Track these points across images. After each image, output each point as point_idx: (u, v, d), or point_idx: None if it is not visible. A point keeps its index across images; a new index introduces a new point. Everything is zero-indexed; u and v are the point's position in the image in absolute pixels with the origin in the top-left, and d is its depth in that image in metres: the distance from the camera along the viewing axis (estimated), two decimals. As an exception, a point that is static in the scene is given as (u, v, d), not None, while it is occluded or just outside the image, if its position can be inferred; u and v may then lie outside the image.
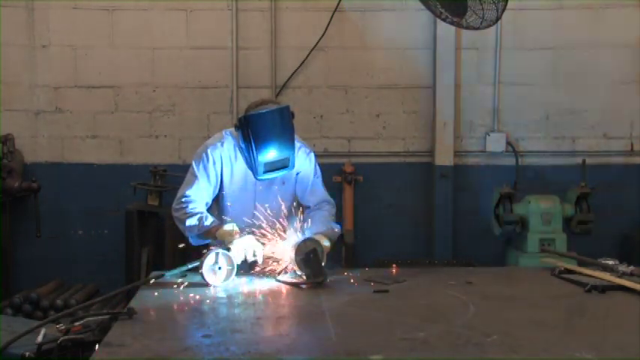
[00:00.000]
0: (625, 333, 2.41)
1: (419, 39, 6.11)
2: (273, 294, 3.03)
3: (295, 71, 6.07)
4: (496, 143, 6.14)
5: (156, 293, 2.92)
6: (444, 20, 4.15)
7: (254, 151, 3.30)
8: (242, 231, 3.30)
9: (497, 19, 3.97)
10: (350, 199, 6.04)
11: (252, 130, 3.29)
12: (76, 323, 2.46)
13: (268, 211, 3.41)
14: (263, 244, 3.27)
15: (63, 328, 2.46)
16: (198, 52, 6.08)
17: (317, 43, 6.01)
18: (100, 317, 2.49)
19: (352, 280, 3.24)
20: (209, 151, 3.47)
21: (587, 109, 6.18)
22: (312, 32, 6.01)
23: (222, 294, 2.99)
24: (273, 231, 3.32)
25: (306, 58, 6.05)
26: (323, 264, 3.20)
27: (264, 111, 3.34)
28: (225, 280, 3.12)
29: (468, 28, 4.10)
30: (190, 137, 5.98)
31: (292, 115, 3.38)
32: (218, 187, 3.51)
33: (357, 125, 6.17)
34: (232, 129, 3.50)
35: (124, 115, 6.10)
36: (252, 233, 3.29)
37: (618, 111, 6.18)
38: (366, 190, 6.12)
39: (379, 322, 2.60)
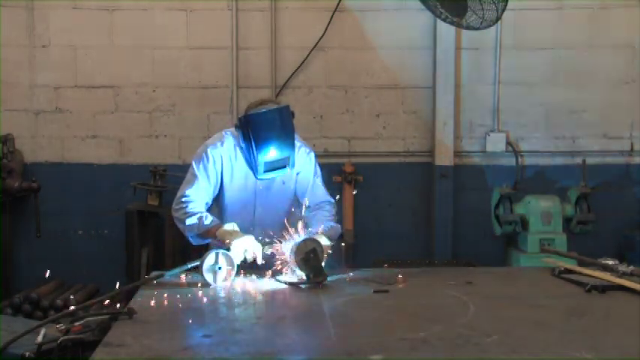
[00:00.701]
0: (625, 333, 2.40)
1: (419, 39, 6.11)
2: (273, 294, 3.03)
3: (295, 71, 6.07)
4: (496, 143, 6.13)
5: (156, 293, 2.91)
6: (444, 20, 4.15)
7: (254, 150, 3.30)
8: (242, 230, 3.29)
9: (497, 19, 3.97)
10: (350, 199, 6.04)
11: (253, 129, 3.30)
12: (76, 323, 2.46)
13: (268, 212, 3.40)
14: (264, 245, 3.27)
15: (63, 328, 2.46)
16: (198, 52, 6.08)
17: (317, 43, 6.01)
18: (100, 317, 2.49)
19: (352, 280, 3.24)
20: (209, 150, 3.47)
21: (587, 109, 6.18)
22: (312, 32, 6.01)
23: (222, 294, 2.99)
24: (275, 232, 3.32)
25: (306, 58, 6.05)
26: (323, 264, 3.20)
27: (264, 111, 3.34)
28: (225, 280, 3.12)
29: (468, 28, 4.11)
30: (190, 137, 5.98)
31: (292, 114, 3.38)
32: (218, 186, 3.50)
33: (357, 125, 6.17)
34: (232, 129, 3.50)
35: (124, 115, 6.10)
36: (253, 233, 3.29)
37: (618, 111, 6.18)
38: (366, 190, 6.11)
39: (379, 322, 2.60)
